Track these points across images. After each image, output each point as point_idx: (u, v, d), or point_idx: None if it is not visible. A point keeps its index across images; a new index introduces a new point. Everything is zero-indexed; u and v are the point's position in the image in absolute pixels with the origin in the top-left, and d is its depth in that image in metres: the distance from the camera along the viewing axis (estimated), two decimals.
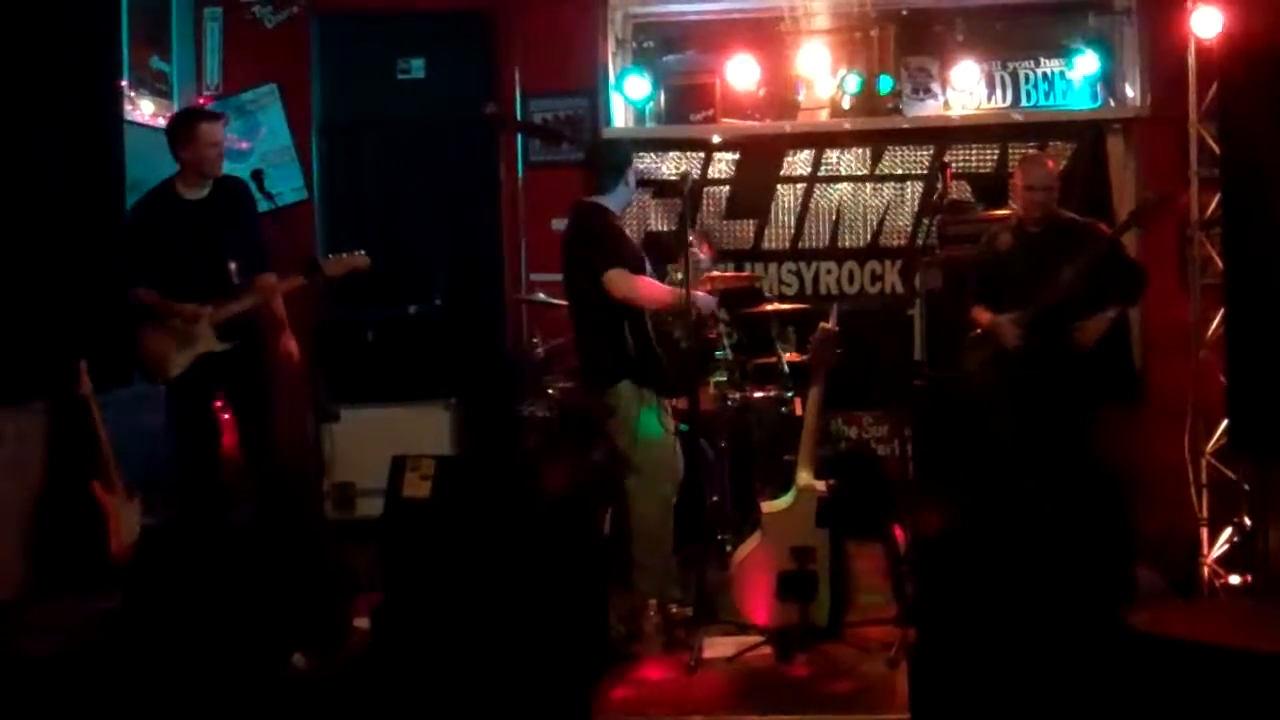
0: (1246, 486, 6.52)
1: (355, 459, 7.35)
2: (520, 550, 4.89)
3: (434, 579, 4.91)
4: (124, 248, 6.54)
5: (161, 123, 7.79)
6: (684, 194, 5.95)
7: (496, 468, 6.06)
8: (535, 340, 7.45)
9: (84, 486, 6.25)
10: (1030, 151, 7.69)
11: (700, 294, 5.93)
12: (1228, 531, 6.48)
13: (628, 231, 6.37)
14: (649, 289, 5.83)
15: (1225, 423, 6.60)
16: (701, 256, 6.33)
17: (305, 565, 5.01)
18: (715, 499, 6.68)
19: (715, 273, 7.14)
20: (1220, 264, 6.71)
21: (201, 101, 8.25)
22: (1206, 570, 6.41)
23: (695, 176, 8.14)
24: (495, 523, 5.00)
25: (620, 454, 5.84)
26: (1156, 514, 6.65)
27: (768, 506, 5.50)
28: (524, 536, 4.96)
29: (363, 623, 5.10)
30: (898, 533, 5.91)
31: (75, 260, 6.62)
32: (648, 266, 6.01)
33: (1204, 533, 6.53)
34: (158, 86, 7.93)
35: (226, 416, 7.00)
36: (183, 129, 6.50)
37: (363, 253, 6.54)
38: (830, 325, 5.61)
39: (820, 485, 5.44)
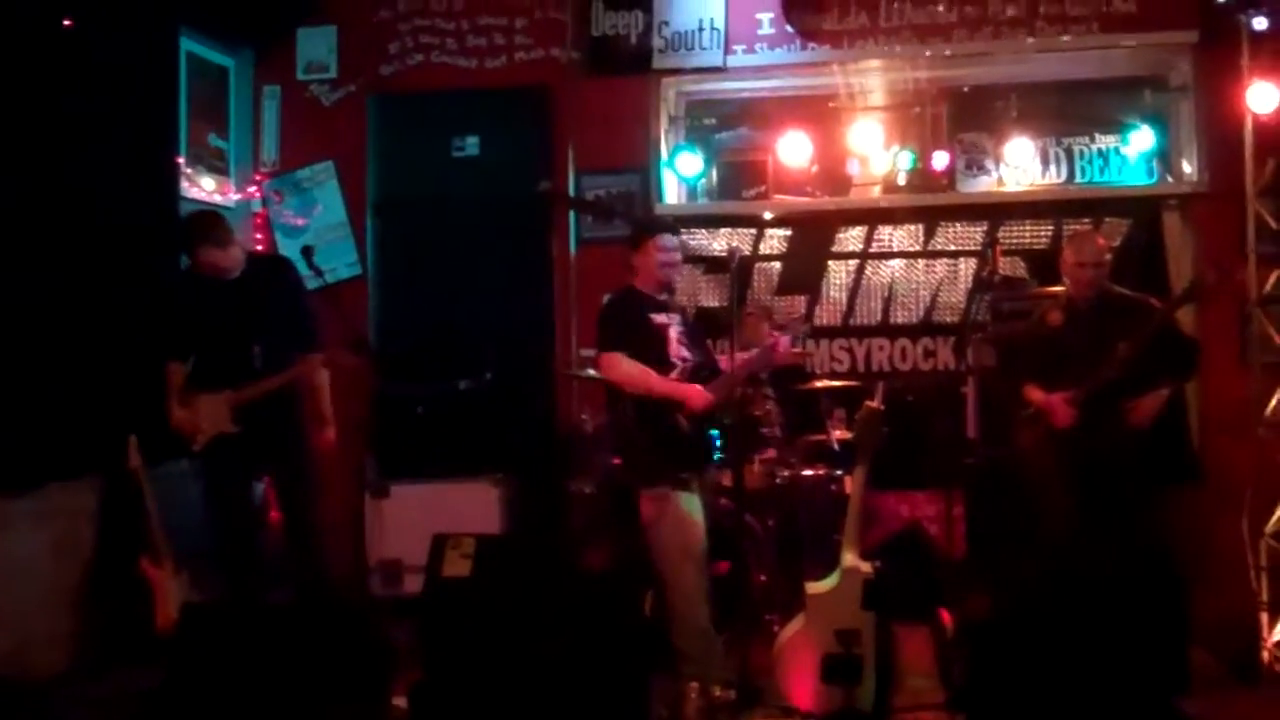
0: None
1: (404, 535, 7.33)
2: (561, 631, 4.85)
3: (474, 659, 4.87)
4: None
5: (219, 200, 7.95)
6: (731, 269, 5.95)
7: (538, 547, 6.03)
8: (584, 416, 7.44)
9: (132, 561, 6.26)
10: (1082, 228, 7.65)
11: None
12: None
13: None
14: None
15: None
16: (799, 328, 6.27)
17: (345, 644, 4.97)
18: (763, 578, 6.62)
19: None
20: (1279, 341, 6.62)
21: (259, 178, 8.36)
22: (1266, 655, 6.26)
23: (747, 253, 8.15)
24: (536, 603, 4.96)
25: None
26: (1215, 597, 6.47)
27: (812, 588, 5.41)
28: (564, 617, 4.91)
29: (401, 701, 5.07)
30: (944, 615, 5.80)
31: (128, 335, 6.70)
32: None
33: (1264, 617, 6.39)
34: (215, 163, 8.06)
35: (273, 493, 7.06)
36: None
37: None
38: (876, 404, 5.54)
39: (866, 566, 5.35)
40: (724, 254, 7.86)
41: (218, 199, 8.01)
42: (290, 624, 5.09)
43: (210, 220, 6.49)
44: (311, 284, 6.70)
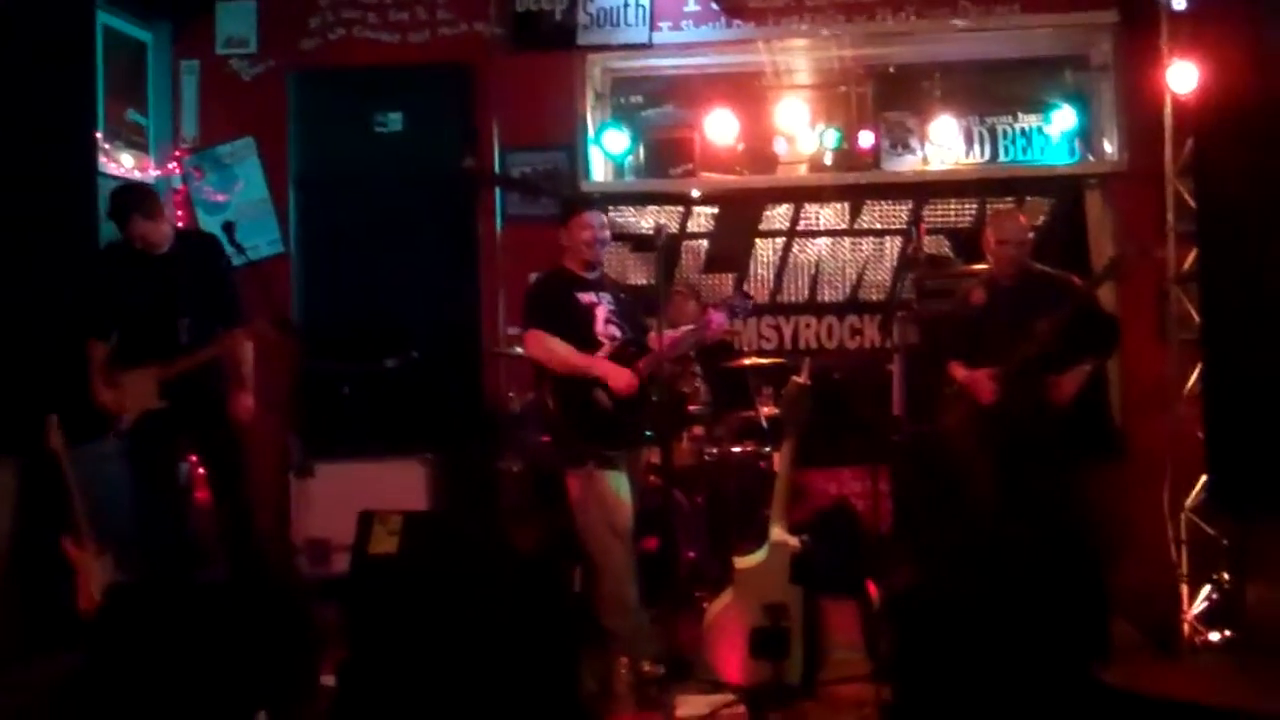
0: (1226, 542, 6.49)
1: (331, 514, 7.22)
2: (489, 608, 4.83)
3: (401, 637, 4.83)
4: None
5: (139, 176, 7.82)
6: (658, 247, 5.92)
7: (466, 524, 5.99)
8: (511, 395, 7.39)
9: (53, 543, 6.16)
10: (1004, 207, 7.71)
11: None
12: (1207, 588, 6.44)
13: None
14: None
15: (1204, 478, 6.58)
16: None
17: (272, 622, 4.93)
18: (692, 555, 6.62)
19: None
20: (1197, 319, 6.70)
21: (178, 154, 8.23)
22: (1186, 627, 6.35)
23: (674, 230, 8.14)
24: (464, 579, 4.93)
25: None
26: (1136, 570, 6.58)
27: (740, 562, 5.42)
28: (493, 593, 4.89)
29: (329, 680, 5.03)
30: (871, 589, 5.84)
31: (46, 313, 6.58)
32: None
33: (1184, 589, 6.48)
34: (134, 139, 7.90)
35: (201, 471, 7.01)
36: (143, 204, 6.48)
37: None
38: (802, 379, 5.56)
39: (793, 541, 5.37)
40: (651, 232, 7.83)
41: (137, 175, 7.86)
42: (216, 604, 5.03)
43: (142, 193, 6.57)
44: (234, 261, 6.62)
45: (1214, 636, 6.28)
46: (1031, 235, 6.52)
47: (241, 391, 6.48)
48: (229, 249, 6.51)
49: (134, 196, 6.45)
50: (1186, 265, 6.88)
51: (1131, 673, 5.47)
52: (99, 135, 7.38)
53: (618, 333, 5.95)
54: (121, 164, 7.73)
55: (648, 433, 6.02)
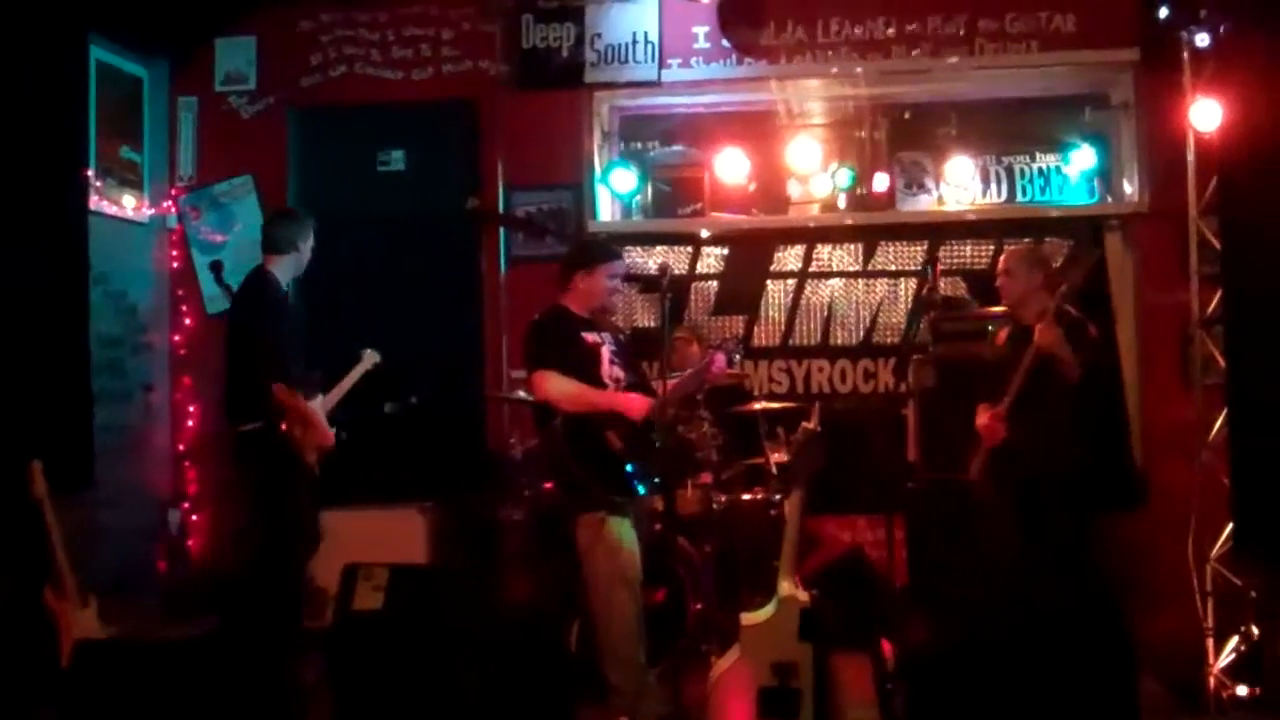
0: (1253, 594, 6.25)
1: (328, 564, 7.03)
2: (476, 665, 4.62)
3: (386, 697, 4.62)
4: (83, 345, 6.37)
5: (132, 215, 7.66)
6: (662, 287, 5.72)
7: (455, 577, 5.79)
8: (513, 440, 7.18)
9: (34, 593, 5.96)
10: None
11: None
12: (1234, 641, 6.21)
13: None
14: None
15: (1230, 526, 6.36)
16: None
17: (251, 678, 4.71)
18: (699, 607, 6.39)
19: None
20: (1222, 363, 6.50)
21: (174, 193, 8.07)
22: (1212, 681, 6.12)
23: (683, 272, 7.99)
24: (453, 636, 4.71)
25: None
26: (1160, 622, 6.34)
27: (747, 618, 5.15)
28: (483, 651, 4.67)
29: None
30: (885, 645, 5.60)
31: (34, 356, 6.40)
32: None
33: (1209, 642, 6.25)
34: (128, 177, 7.76)
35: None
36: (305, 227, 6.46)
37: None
38: (812, 425, 5.34)
39: (803, 595, 5.12)
40: (657, 272, 7.67)
41: (130, 214, 7.71)
42: (193, 659, 4.82)
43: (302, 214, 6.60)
44: (223, 304, 6.48)
45: (1242, 691, 6.04)
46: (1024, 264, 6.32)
47: None
48: (217, 290, 6.38)
49: (304, 217, 6.48)
50: (1211, 308, 6.67)
51: None
52: (90, 172, 7.20)
53: (621, 374, 5.75)
54: (114, 202, 7.58)
55: (654, 480, 5.79)
